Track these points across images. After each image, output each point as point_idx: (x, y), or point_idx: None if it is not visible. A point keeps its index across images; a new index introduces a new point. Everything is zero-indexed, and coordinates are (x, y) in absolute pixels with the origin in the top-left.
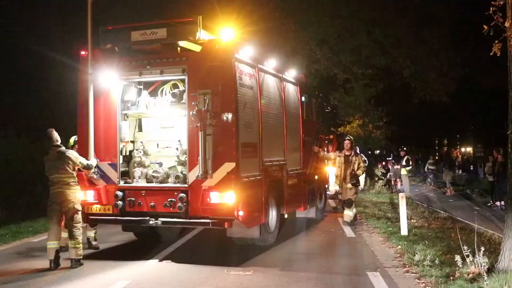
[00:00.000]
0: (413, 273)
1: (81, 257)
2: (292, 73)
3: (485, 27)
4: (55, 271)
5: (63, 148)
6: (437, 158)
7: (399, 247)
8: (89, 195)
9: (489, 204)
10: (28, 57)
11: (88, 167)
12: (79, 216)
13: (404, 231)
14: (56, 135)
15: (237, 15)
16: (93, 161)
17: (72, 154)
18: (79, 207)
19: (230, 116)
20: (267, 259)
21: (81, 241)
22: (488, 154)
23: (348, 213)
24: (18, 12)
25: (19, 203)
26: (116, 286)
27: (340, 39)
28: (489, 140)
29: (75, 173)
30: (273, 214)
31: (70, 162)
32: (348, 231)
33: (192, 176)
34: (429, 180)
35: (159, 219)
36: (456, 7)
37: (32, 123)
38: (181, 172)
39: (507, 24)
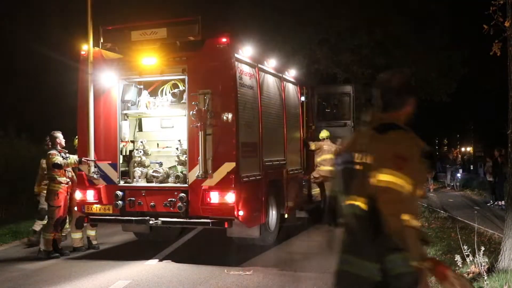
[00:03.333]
0: None
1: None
2: (292, 73)
3: (485, 26)
4: (55, 271)
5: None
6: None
7: None
8: (89, 195)
9: (489, 204)
10: (28, 57)
11: (56, 166)
12: (54, 213)
13: None
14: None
15: (237, 14)
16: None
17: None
18: (52, 203)
19: (230, 116)
20: (267, 259)
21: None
22: (488, 154)
23: None
24: (18, 11)
25: (19, 203)
26: (116, 286)
27: (340, 39)
28: (489, 140)
29: (59, 173)
30: (273, 214)
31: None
32: None
33: (192, 176)
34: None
35: (159, 219)
36: (456, 6)
37: (32, 123)
38: (181, 172)
39: (507, 24)
